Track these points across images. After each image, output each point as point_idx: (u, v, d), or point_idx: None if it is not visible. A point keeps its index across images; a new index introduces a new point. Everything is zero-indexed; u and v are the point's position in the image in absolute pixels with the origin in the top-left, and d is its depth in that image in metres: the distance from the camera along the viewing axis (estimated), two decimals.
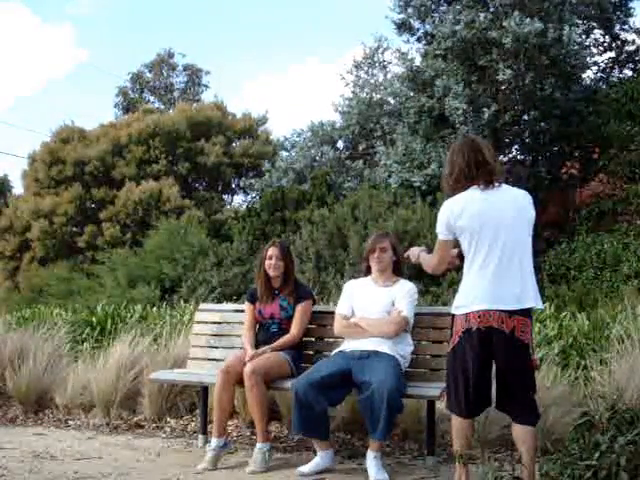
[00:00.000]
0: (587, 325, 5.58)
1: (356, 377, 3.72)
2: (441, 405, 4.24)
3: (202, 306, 5.01)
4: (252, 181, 14.64)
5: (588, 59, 11.96)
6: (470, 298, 3.13)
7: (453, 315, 3.22)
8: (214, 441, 3.94)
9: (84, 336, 6.65)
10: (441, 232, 3.23)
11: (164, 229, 13.51)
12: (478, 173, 3.21)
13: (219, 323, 4.69)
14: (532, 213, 3.26)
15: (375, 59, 13.98)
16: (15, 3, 45.96)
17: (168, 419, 4.88)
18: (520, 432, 3.19)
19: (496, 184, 3.22)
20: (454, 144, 3.42)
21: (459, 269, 3.32)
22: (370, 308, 3.96)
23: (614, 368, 4.20)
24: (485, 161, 3.23)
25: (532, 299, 3.14)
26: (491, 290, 3.10)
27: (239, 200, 21.45)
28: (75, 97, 44.00)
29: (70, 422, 5.08)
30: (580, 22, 11.69)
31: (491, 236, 3.13)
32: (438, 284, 8.74)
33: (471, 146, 3.28)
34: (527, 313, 3.13)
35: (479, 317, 3.09)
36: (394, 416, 3.63)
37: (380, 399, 3.49)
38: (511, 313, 3.08)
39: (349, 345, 3.92)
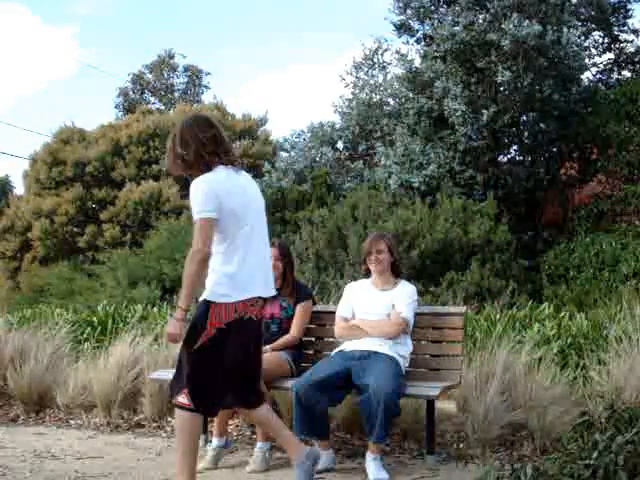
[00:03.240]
0: (586, 325, 5.60)
1: (355, 378, 3.74)
2: (441, 405, 4.27)
3: None
4: None
5: (587, 60, 11.97)
6: (240, 286, 3.02)
7: (210, 303, 3.01)
8: (215, 441, 3.96)
9: (85, 336, 6.66)
10: (210, 210, 2.99)
11: (164, 229, 13.52)
12: (219, 150, 3.09)
13: None
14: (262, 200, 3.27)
15: (375, 60, 13.98)
16: (15, 3, 45.96)
17: (169, 418, 4.89)
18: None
19: (235, 170, 3.14)
20: (185, 120, 3.22)
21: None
22: (370, 310, 3.97)
23: (613, 368, 4.21)
24: (223, 139, 3.12)
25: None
26: (258, 277, 3.07)
27: None
28: (76, 98, 44.04)
29: (71, 421, 5.10)
30: (579, 24, 11.70)
31: (252, 220, 3.09)
32: (437, 284, 8.77)
33: (208, 122, 3.15)
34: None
35: (252, 305, 3.05)
36: (391, 420, 3.64)
37: (377, 403, 3.51)
38: (264, 299, 3.15)
39: (349, 345, 3.94)
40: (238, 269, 3.03)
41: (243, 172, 3.21)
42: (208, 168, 3.08)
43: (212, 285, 3.03)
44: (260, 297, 3.12)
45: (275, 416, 3.31)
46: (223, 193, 3.02)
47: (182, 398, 3.04)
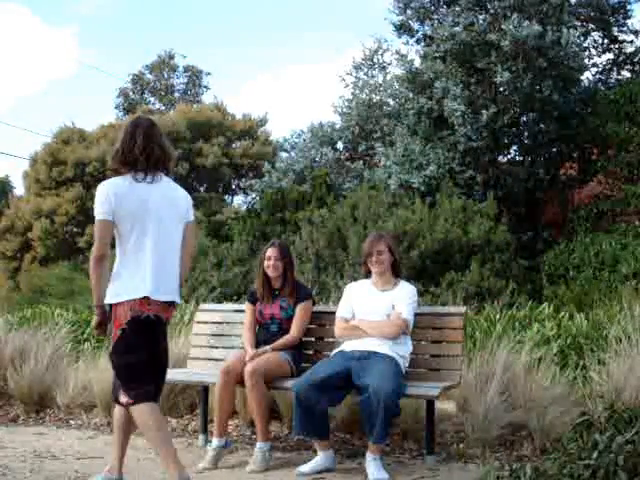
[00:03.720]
0: (585, 325, 5.60)
1: (355, 378, 3.74)
2: (441, 405, 4.28)
3: (202, 306, 5.04)
4: (252, 182, 14.65)
5: (586, 61, 11.98)
6: (132, 285, 3.16)
7: (111, 305, 3.19)
8: (215, 441, 3.96)
9: (85, 336, 6.67)
10: (103, 212, 3.17)
11: None
12: (145, 159, 3.20)
13: (219, 323, 4.71)
14: (185, 208, 3.37)
15: (375, 60, 14.00)
16: (15, 3, 45.94)
17: (169, 419, 4.89)
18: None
19: (159, 175, 3.26)
20: (130, 122, 3.35)
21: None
22: (370, 311, 3.97)
23: (612, 368, 4.22)
24: (147, 145, 3.22)
25: (178, 293, 3.32)
26: (153, 279, 3.17)
27: (239, 201, 21.49)
28: (76, 98, 44.05)
29: (71, 422, 5.10)
30: (578, 24, 11.71)
31: (151, 226, 3.19)
32: (437, 284, 8.77)
33: (136, 128, 3.25)
34: (174, 306, 3.33)
35: (149, 305, 3.16)
36: (391, 420, 3.64)
37: (377, 403, 3.51)
38: (169, 303, 3.25)
39: (349, 345, 3.94)
40: (131, 270, 3.18)
41: (165, 179, 3.31)
42: (119, 172, 3.27)
43: (110, 286, 3.22)
44: (155, 300, 3.19)
45: (164, 428, 3.29)
46: (119, 198, 3.17)
47: (122, 397, 3.22)
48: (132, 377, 3.18)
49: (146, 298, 3.15)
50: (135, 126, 3.28)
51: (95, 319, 3.24)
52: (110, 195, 3.17)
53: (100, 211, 3.18)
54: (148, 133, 3.25)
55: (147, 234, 3.18)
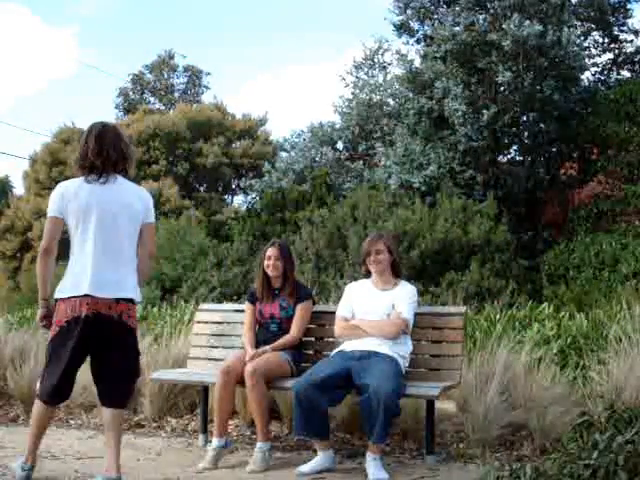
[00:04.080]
0: (586, 325, 5.60)
1: (355, 378, 3.74)
2: (441, 405, 4.27)
3: (202, 306, 5.03)
4: (252, 182, 14.65)
5: (587, 60, 11.98)
6: (73, 283, 3.30)
7: (56, 301, 3.35)
8: (215, 441, 3.96)
9: None
10: (52, 210, 3.37)
11: (164, 229, 13.52)
12: (100, 163, 3.35)
13: (219, 323, 4.71)
14: (139, 209, 3.42)
15: (375, 60, 14.00)
16: (15, 3, 45.96)
17: (169, 419, 4.89)
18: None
19: (115, 177, 3.39)
20: (91, 127, 3.47)
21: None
22: (370, 310, 3.97)
23: (612, 368, 4.21)
24: (108, 152, 3.36)
25: (130, 290, 3.38)
26: (94, 278, 3.28)
27: (239, 201, 21.49)
28: (76, 98, 44.04)
29: (71, 421, 5.10)
30: (579, 24, 11.72)
31: (96, 225, 3.31)
32: (437, 284, 8.77)
33: (92, 134, 3.39)
34: (132, 302, 3.39)
35: (87, 304, 3.26)
36: (391, 420, 3.64)
37: (377, 403, 3.51)
38: (117, 300, 3.32)
39: (349, 345, 3.94)
40: (75, 268, 3.34)
41: (120, 181, 3.42)
42: (78, 174, 3.45)
43: (60, 282, 3.39)
44: (96, 297, 3.28)
45: (116, 430, 3.40)
46: (67, 197, 3.35)
47: (37, 385, 3.45)
48: (50, 373, 3.34)
49: (87, 296, 3.26)
50: (88, 132, 3.44)
51: (39, 312, 3.41)
52: (60, 194, 3.38)
53: (50, 208, 3.39)
54: (100, 137, 3.38)
55: (90, 233, 3.31)
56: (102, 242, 3.31)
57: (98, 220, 3.31)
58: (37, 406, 3.42)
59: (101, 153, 3.35)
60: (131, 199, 3.42)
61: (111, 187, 3.37)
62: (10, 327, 6.32)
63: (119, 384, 3.38)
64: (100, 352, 3.36)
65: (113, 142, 3.39)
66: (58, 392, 3.38)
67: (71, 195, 3.34)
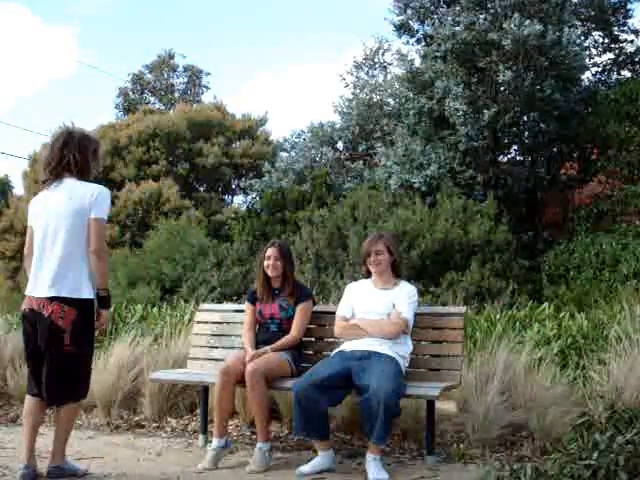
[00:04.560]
0: (586, 325, 5.59)
1: (355, 378, 3.74)
2: (441, 405, 4.27)
3: (202, 306, 5.03)
4: (252, 182, 14.66)
5: (587, 60, 11.98)
6: (30, 282, 3.57)
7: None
8: (215, 441, 3.95)
9: None
10: (28, 219, 3.69)
11: (164, 229, 13.53)
12: (49, 171, 3.61)
13: (219, 323, 4.71)
14: (85, 205, 3.51)
15: (375, 60, 14.01)
16: (15, 3, 45.96)
17: (169, 419, 4.89)
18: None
19: (63, 180, 3.56)
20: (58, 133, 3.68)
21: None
22: (370, 310, 3.97)
23: (613, 368, 4.21)
24: (54, 156, 3.58)
25: (65, 289, 3.48)
26: (37, 277, 3.53)
27: (239, 201, 21.47)
28: (76, 97, 44.02)
29: None
30: (579, 24, 11.71)
31: (44, 228, 3.53)
32: (437, 284, 8.77)
33: (52, 142, 3.64)
34: (69, 301, 3.48)
35: (27, 302, 3.55)
36: (391, 420, 3.63)
37: (377, 404, 3.50)
38: (51, 299, 3.46)
39: (349, 345, 3.93)
40: (31, 268, 3.59)
41: (68, 181, 3.57)
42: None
43: None
44: (32, 296, 3.53)
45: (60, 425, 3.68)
46: (31, 207, 3.68)
47: None
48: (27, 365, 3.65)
49: (28, 295, 3.56)
50: (51, 140, 3.68)
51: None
52: (30, 205, 3.69)
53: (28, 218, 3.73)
54: (52, 145, 3.62)
55: (38, 236, 3.57)
56: (41, 244, 3.53)
57: (43, 224, 3.55)
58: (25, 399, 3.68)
59: (50, 159, 3.60)
60: (76, 196, 3.52)
61: (58, 189, 3.55)
62: (10, 327, 6.31)
63: (49, 383, 3.52)
64: (40, 349, 3.53)
65: (51, 147, 3.64)
66: (30, 382, 3.63)
67: (32, 205, 3.70)
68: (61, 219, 3.49)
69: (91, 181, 3.62)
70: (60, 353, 3.47)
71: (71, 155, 3.53)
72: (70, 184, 3.54)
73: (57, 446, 3.63)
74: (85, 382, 3.67)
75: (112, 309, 5.70)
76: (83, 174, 3.58)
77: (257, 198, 14.34)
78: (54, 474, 3.59)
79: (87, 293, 3.50)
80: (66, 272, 3.47)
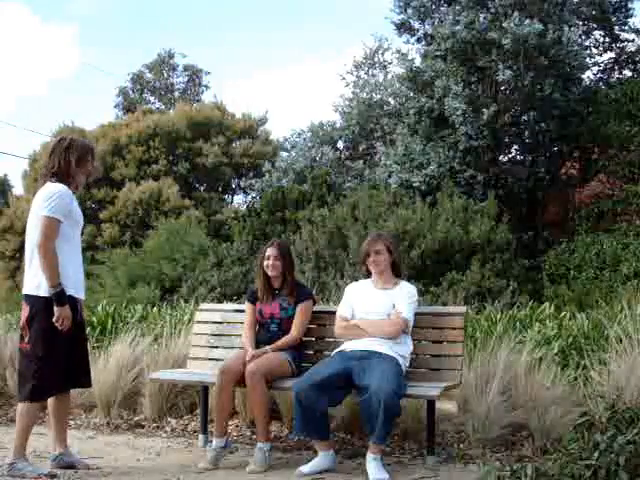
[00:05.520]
0: (586, 325, 5.58)
1: (355, 379, 3.73)
2: (441, 405, 4.26)
3: (202, 306, 5.02)
4: (252, 181, 14.68)
5: (588, 60, 11.98)
6: None
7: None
8: (215, 441, 3.95)
9: (84, 335, 6.63)
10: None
11: (164, 229, 13.52)
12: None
13: (219, 323, 4.70)
14: (40, 209, 3.65)
15: (375, 59, 14.01)
16: (15, 3, 45.97)
17: (169, 419, 4.88)
18: None
19: (41, 182, 3.77)
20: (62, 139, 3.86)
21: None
22: (370, 310, 3.96)
23: (613, 368, 4.20)
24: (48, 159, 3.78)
25: (27, 287, 3.67)
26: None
27: (239, 200, 21.48)
28: (76, 97, 44.04)
29: (71, 422, 5.05)
30: (580, 23, 11.72)
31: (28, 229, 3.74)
32: (438, 284, 8.76)
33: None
34: (26, 298, 3.67)
35: None
36: (392, 420, 3.63)
37: (377, 404, 3.50)
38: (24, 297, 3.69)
39: (349, 345, 3.93)
40: None
41: (46, 185, 3.74)
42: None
43: None
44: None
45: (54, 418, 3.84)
46: None
47: None
48: None
49: None
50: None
51: None
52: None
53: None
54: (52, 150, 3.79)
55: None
56: (29, 241, 3.72)
57: (27, 225, 3.76)
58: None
59: (49, 164, 3.78)
60: (38, 196, 3.69)
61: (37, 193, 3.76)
62: (10, 327, 6.30)
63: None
64: None
65: (49, 154, 3.82)
66: None
67: None
68: (31, 220, 3.73)
69: (69, 183, 3.73)
70: (20, 349, 3.74)
71: (56, 161, 3.71)
72: (44, 187, 3.73)
73: (15, 441, 3.70)
74: (35, 383, 3.61)
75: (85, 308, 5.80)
76: (63, 179, 3.71)
77: (257, 198, 14.36)
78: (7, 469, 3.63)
79: (43, 291, 3.60)
80: (29, 270, 3.67)
